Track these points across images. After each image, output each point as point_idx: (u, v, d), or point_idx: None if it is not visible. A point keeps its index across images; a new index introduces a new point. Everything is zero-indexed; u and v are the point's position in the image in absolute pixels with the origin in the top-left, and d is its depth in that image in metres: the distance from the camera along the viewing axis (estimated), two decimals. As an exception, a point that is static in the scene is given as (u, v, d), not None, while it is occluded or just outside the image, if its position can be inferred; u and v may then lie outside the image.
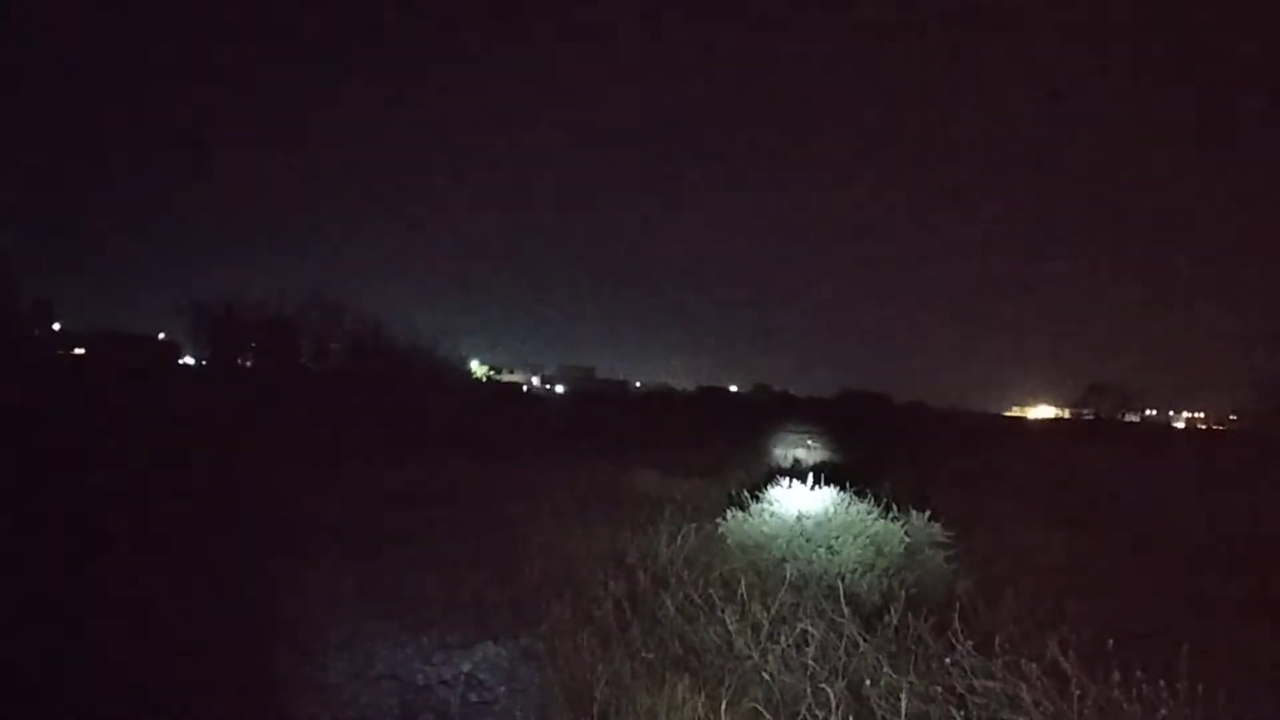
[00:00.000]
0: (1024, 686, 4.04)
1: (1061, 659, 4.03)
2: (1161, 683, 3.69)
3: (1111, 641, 3.97)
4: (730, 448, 21.65)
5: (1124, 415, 41.49)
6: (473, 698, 5.50)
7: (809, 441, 25.91)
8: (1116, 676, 3.82)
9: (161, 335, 34.63)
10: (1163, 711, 3.60)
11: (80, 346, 34.11)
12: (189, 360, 28.39)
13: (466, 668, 5.93)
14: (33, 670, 4.93)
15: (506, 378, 64.27)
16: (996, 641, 4.51)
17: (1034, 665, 4.13)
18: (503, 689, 5.62)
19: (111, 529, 8.06)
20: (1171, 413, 50.72)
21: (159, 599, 6.40)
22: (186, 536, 8.24)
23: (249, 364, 20.02)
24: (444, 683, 5.70)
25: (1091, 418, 41.90)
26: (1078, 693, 3.81)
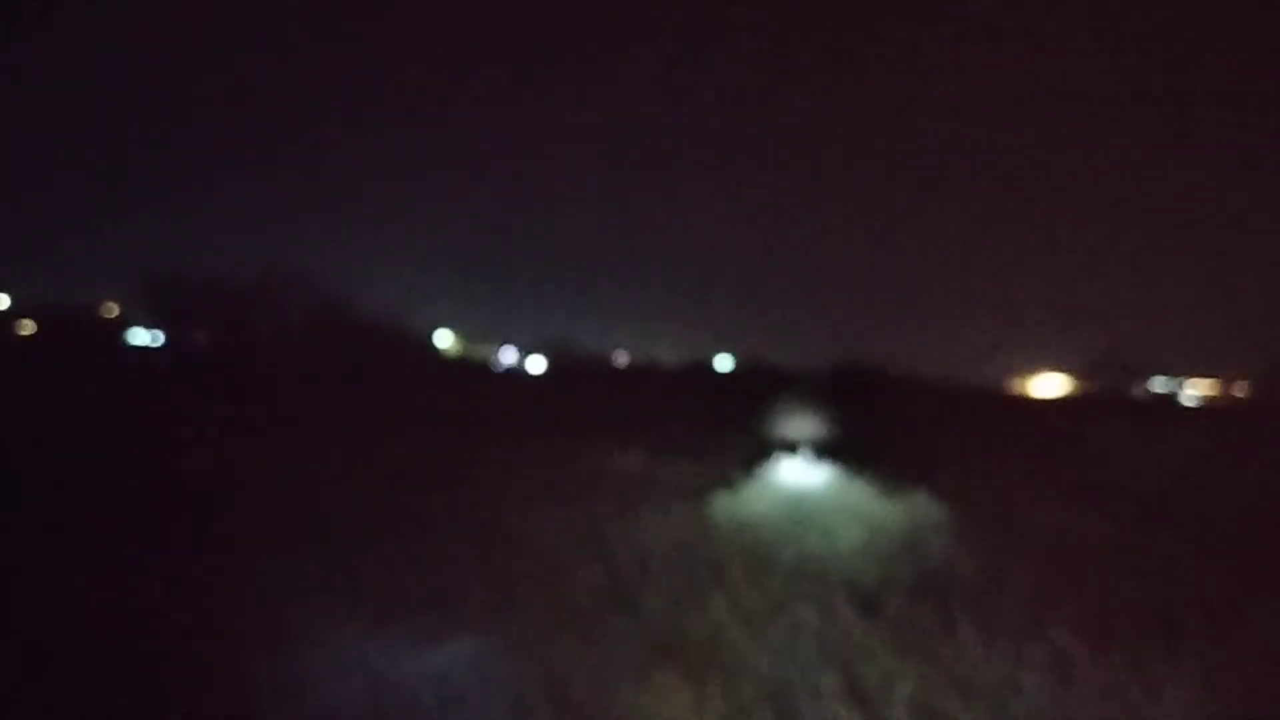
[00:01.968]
0: (1027, 669, 4.08)
1: (1065, 640, 4.08)
2: (1165, 663, 3.74)
3: (1116, 622, 4.00)
4: (720, 424, 21.63)
5: (1132, 386, 41.82)
6: (447, 693, 5.50)
7: (801, 417, 25.97)
8: (1120, 657, 3.87)
9: (114, 309, 34.27)
10: (1167, 691, 3.65)
11: (29, 318, 33.67)
12: (141, 333, 28.09)
13: (441, 661, 5.93)
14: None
15: (483, 349, 63.87)
16: (997, 623, 4.56)
17: (1036, 647, 4.18)
18: (478, 683, 5.62)
19: (55, 519, 7.99)
20: (1179, 385, 51.16)
21: (114, 592, 6.36)
22: (141, 526, 8.18)
23: (204, 338, 19.84)
24: (417, 677, 5.69)
25: (1097, 390, 42.19)
26: (1081, 674, 3.86)
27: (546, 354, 71.55)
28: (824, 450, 10.39)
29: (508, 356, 65.00)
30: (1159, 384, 47.32)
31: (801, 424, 24.19)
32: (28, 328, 33.10)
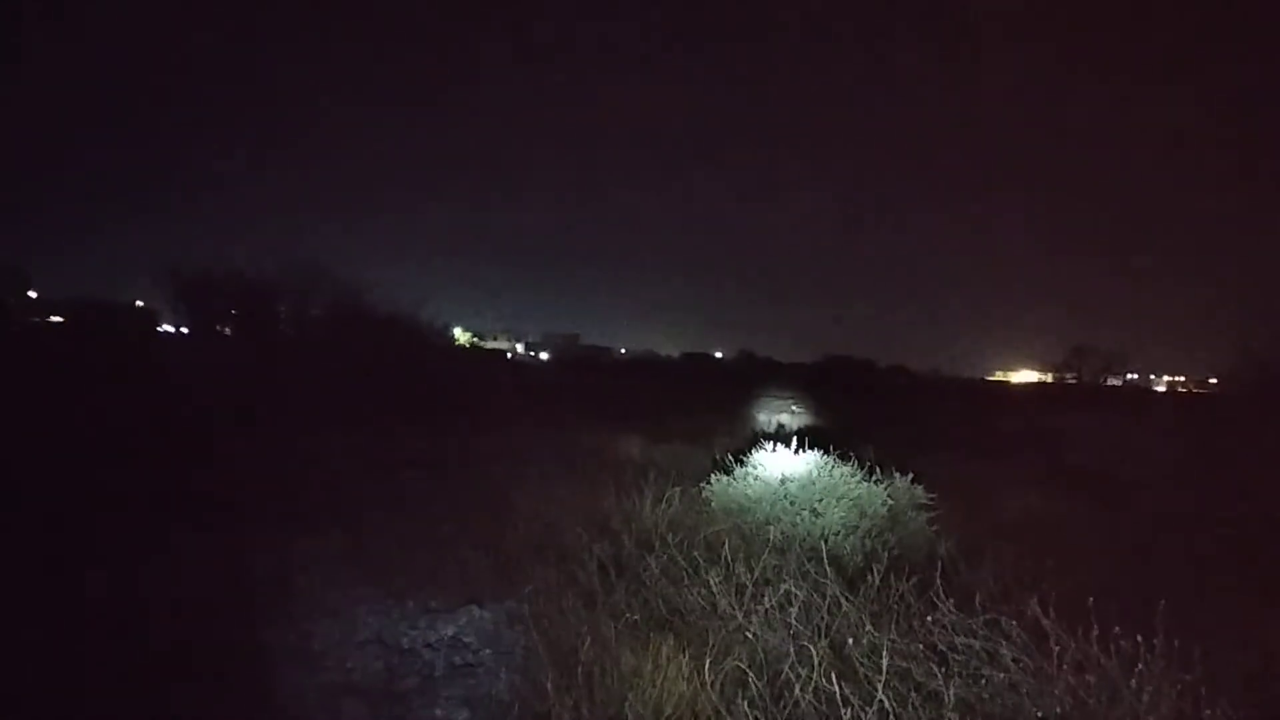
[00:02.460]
0: (1004, 643, 4.09)
1: (1041, 616, 4.08)
2: (1139, 638, 3.74)
3: (1091, 599, 4.01)
4: (715, 413, 21.69)
5: (1106, 379, 41.83)
6: (457, 660, 5.53)
7: (793, 406, 26.02)
8: (1095, 632, 3.87)
9: (139, 303, 34.30)
10: (1139, 666, 3.66)
11: (57, 315, 33.73)
12: (168, 328, 28.11)
13: (451, 631, 5.96)
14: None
15: (490, 344, 64.03)
16: (977, 600, 4.56)
17: (1014, 623, 4.18)
18: (487, 651, 5.66)
19: (93, 497, 8.01)
20: (1153, 376, 51.20)
21: (141, 566, 6.38)
22: (170, 505, 8.19)
23: (228, 331, 19.85)
24: (429, 646, 5.73)
25: (1074, 381, 42.21)
26: (1057, 649, 3.86)
27: (551, 347, 71.75)
28: (813, 436, 10.39)
29: (518, 349, 65.21)
30: (1131, 377, 47.34)
31: (792, 411, 24.27)
32: (55, 319, 33.17)
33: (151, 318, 31.50)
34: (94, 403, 13.07)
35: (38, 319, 33.40)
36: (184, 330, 22.37)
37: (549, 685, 4.32)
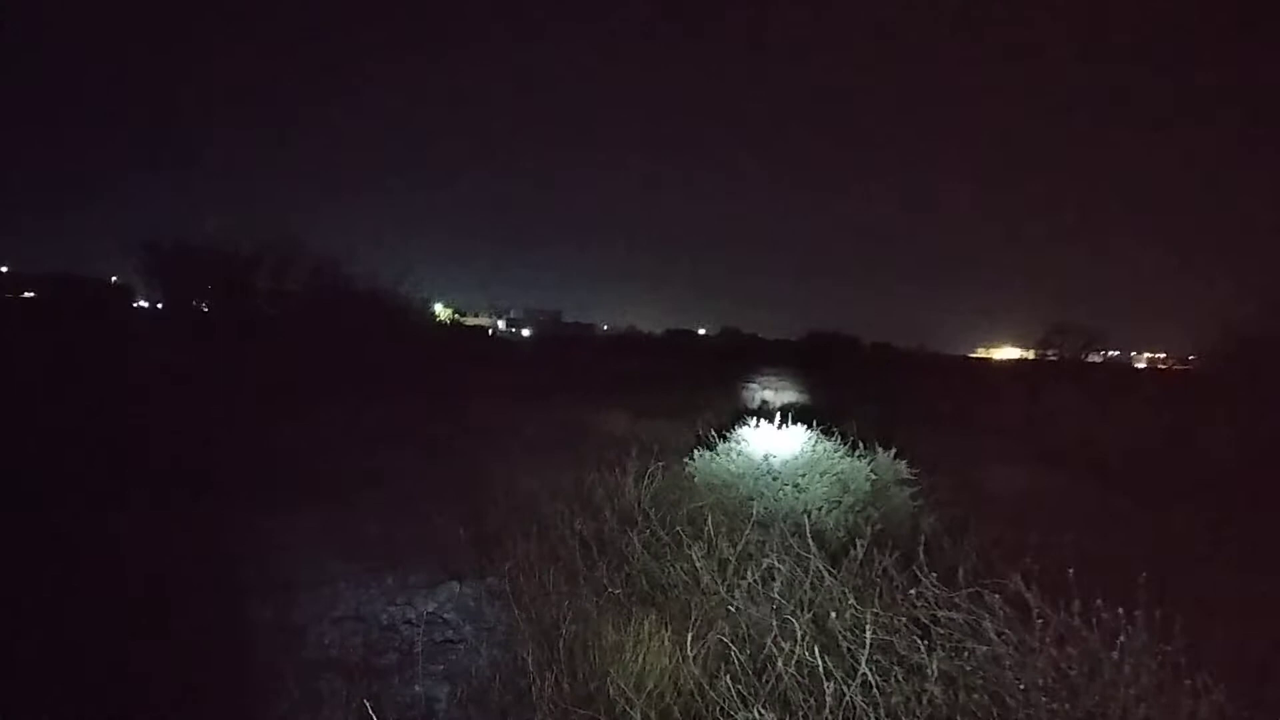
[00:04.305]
0: (987, 616, 4.09)
1: (1024, 589, 4.09)
2: (1120, 610, 3.75)
3: (1072, 571, 4.01)
4: (698, 389, 21.70)
5: (1086, 355, 42.07)
6: (437, 636, 5.52)
7: (777, 382, 26.08)
8: (1077, 605, 3.88)
9: (114, 279, 33.87)
10: (1121, 638, 3.67)
11: (30, 290, 33.31)
12: (143, 304, 27.78)
13: (431, 607, 5.94)
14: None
15: (471, 321, 63.72)
16: (960, 574, 4.56)
17: (997, 596, 4.19)
18: (468, 627, 5.64)
19: (68, 471, 7.91)
20: (1133, 353, 51.53)
21: (118, 542, 6.32)
22: (146, 481, 8.10)
23: (205, 306, 19.59)
24: (408, 622, 5.70)
25: (1055, 358, 42.46)
26: (1039, 621, 3.87)
27: (533, 323, 71.49)
28: (797, 412, 10.39)
29: (500, 325, 64.96)
30: (1112, 354, 47.60)
31: (777, 387, 24.31)
32: (27, 295, 32.73)
33: (127, 293, 31.14)
34: (66, 381, 12.90)
35: (10, 295, 32.96)
36: (159, 306, 22.07)
37: (530, 661, 4.31)
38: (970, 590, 4.34)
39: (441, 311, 51.60)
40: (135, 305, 29.04)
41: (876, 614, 4.32)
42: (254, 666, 4.86)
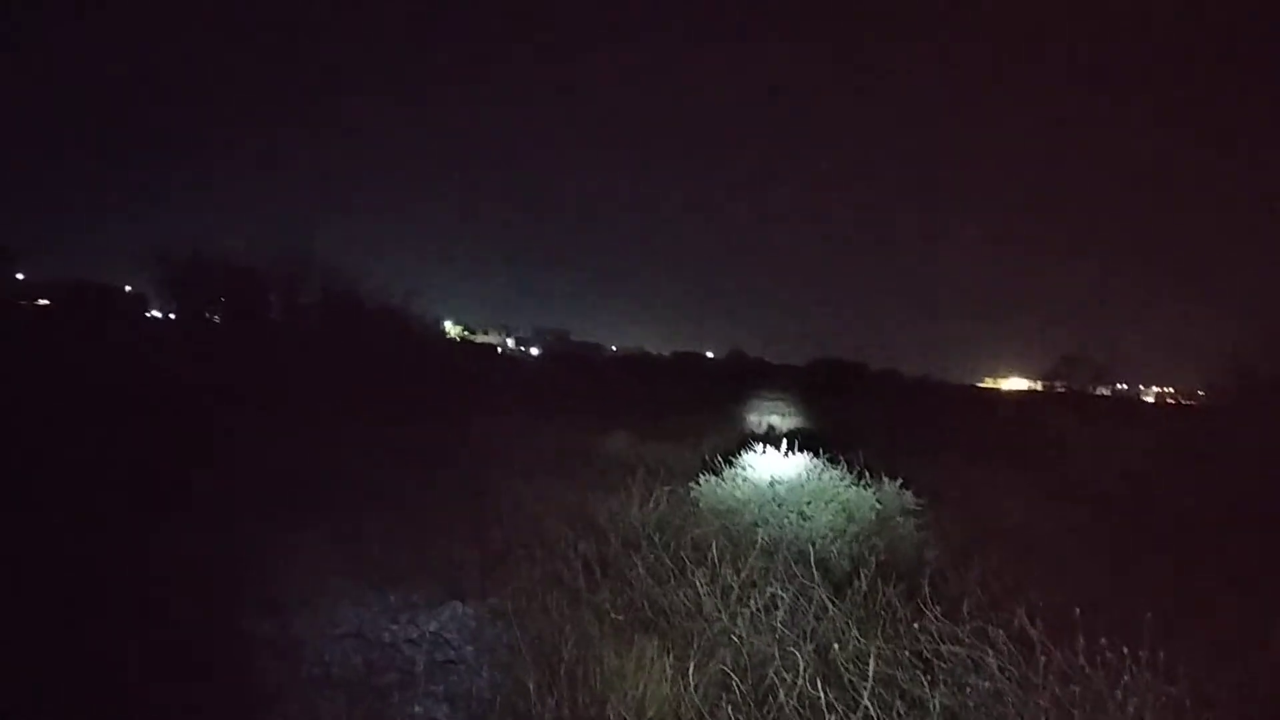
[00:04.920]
0: (990, 652, 4.07)
1: (1028, 625, 4.07)
2: (1125, 650, 3.73)
3: (1078, 610, 4.00)
4: (705, 412, 21.68)
5: (1095, 388, 41.88)
6: (438, 656, 5.50)
7: (783, 407, 26.04)
8: (1081, 642, 3.86)
9: (128, 288, 34.10)
10: (1125, 678, 3.65)
11: (44, 298, 33.49)
12: (156, 314, 27.95)
13: (433, 627, 5.93)
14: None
15: (480, 338, 63.86)
16: (964, 607, 4.55)
17: (1000, 631, 4.17)
18: (469, 648, 5.62)
19: (74, 485, 7.92)
20: (1141, 387, 51.28)
21: (121, 555, 6.32)
22: (150, 494, 8.11)
23: (217, 318, 19.71)
24: (410, 641, 5.69)
25: (1063, 390, 42.28)
26: (1043, 658, 3.85)
27: (541, 342, 71.58)
28: (803, 439, 10.38)
29: (509, 344, 65.11)
30: (1120, 387, 47.36)
31: (782, 413, 24.27)
32: (42, 302, 32.92)
33: (140, 302, 31.35)
34: (76, 390, 12.95)
35: (25, 302, 33.13)
36: (172, 316, 22.21)
37: (531, 684, 4.30)
38: (974, 625, 4.33)
39: (451, 329, 51.80)
40: (148, 314, 29.23)
41: (880, 647, 4.30)
42: (254, 683, 4.85)
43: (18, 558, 5.90)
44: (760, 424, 21.65)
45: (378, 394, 16.40)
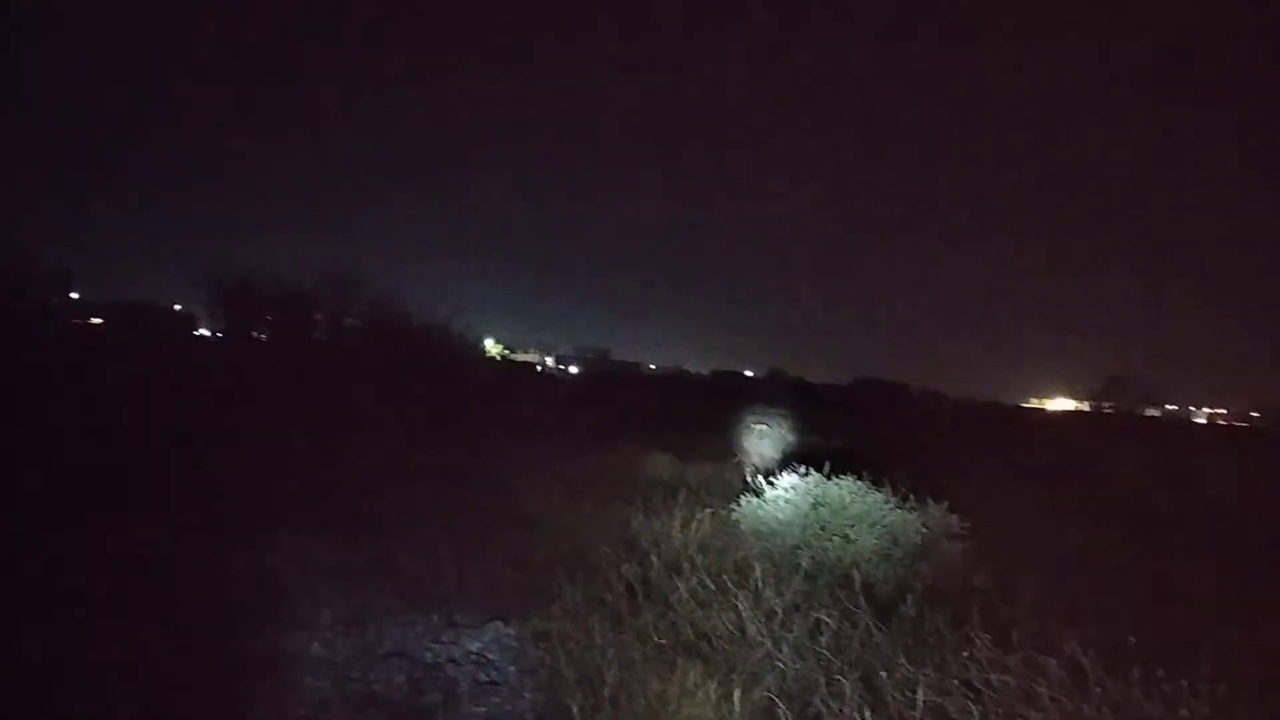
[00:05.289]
0: (1041, 682, 3.99)
1: (1080, 655, 3.99)
2: (1184, 682, 3.64)
3: (1131, 638, 3.91)
4: (744, 432, 21.56)
5: (1144, 409, 41.04)
6: (481, 677, 5.51)
7: (824, 428, 25.82)
8: (1136, 673, 3.77)
9: (177, 306, 34.82)
10: (1183, 711, 3.55)
11: (97, 316, 34.32)
12: (204, 332, 28.51)
13: (475, 647, 5.95)
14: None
15: (521, 357, 64.22)
16: (1014, 636, 4.46)
17: (1052, 660, 4.09)
18: (512, 669, 5.63)
19: (117, 497, 8.08)
20: (1192, 408, 50.15)
21: (164, 571, 6.43)
22: (196, 509, 8.25)
23: (264, 337, 20.04)
24: (453, 661, 5.71)
25: (1111, 410, 41.50)
26: (1097, 689, 3.77)
27: (581, 361, 71.80)
28: (844, 460, 10.27)
29: (548, 362, 65.42)
30: (1170, 408, 46.35)
31: (824, 433, 24.05)
32: (95, 321, 33.76)
33: (189, 321, 32.00)
34: (124, 404, 13.22)
35: (78, 320, 33.99)
36: (219, 334, 22.61)
37: (575, 708, 4.29)
38: (1024, 654, 4.25)
39: (492, 347, 52.13)
40: (196, 333, 29.84)
41: (928, 675, 4.23)
42: (300, 699, 4.90)
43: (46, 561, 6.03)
44: (801, 444, 21.48)
45: (418, 412, 16.54)
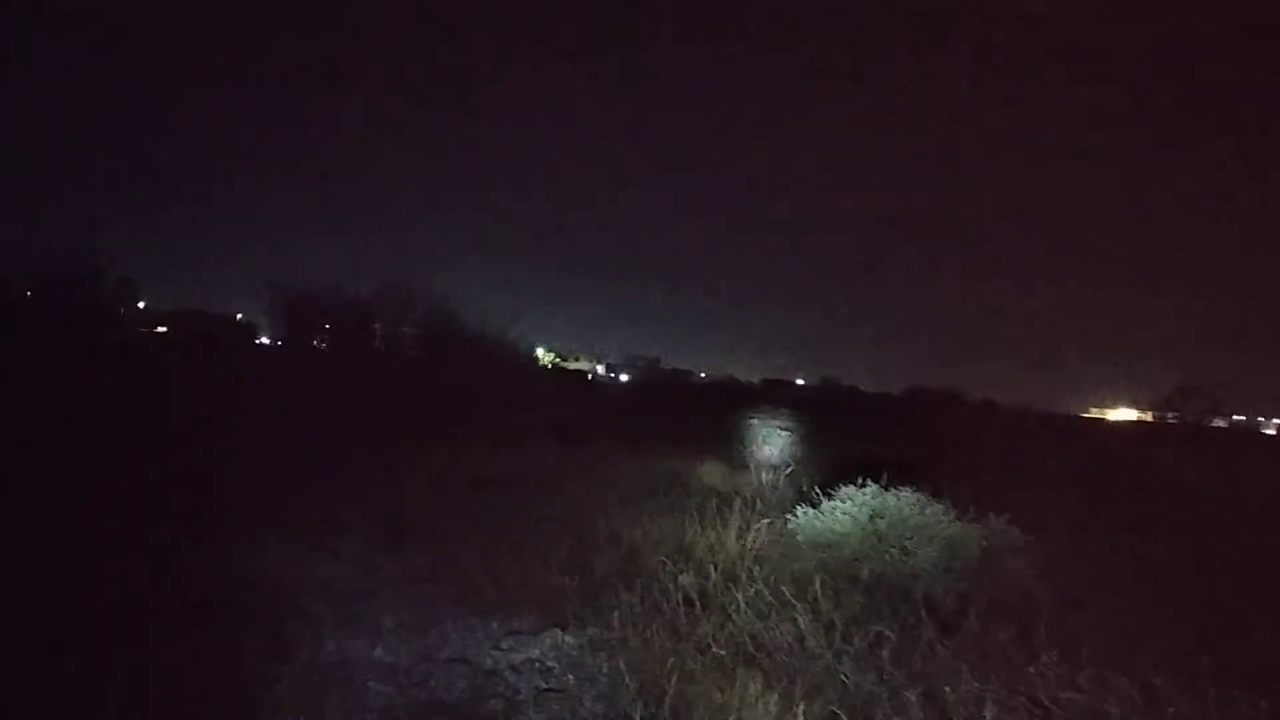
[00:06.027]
0: (1112, 700, 3.93)
1: (1152, 673, 3.91)
2: (1263, 703, 3.56)
3: (1206, 658, 3.83)
4: (798, 442, 21.42)
5: (1211, 419, 39.94)
6: (541, 684, 5.56)
7: (879, 437, 25.54)
8: (1212, 694, 3.70)
9: (239, 315, 35.77)
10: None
11: (163, 325, 35.35)
12: (265, 340, 29.22)
13: (535, 654, 6.00)
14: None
15: (572, 365, 64.63)
16: (1083, 652, 4.39)
17: (1122, 678, 4.02)
18: (570, 677, 5.67)
19: (177, 503, 8.32)
20: (1261, 419, 48.72)
21: (226, 576, 6.62)
22: (258, 513, 8.47)
23: (323, 345, 20.52)
24: (512, 668, 5.77)
25: (1175, 421, 40.45)
26: (1170, 710, 3.70)
27: (631, 369, 71.97)
28: (903, 471, 10.15)
29: (599, 370, 65.75)
30: (1237, 419, 45.06)
31: (879, 443, 23.78)
32: (160, 330, 34.79)
33: (251, 330, 32.82)
34: (187, 411, 13.60)
35: (145, 328, 35.04)
36: (279, 342, 23.17)
37: (637, 717, 4.32)
38: (1093, 671, 4.18)
39: (543, 355, 52.54)
40: (257, 341, 30.62)
41: (994, 690, 4.18)
42: (365, 706, 4.99)
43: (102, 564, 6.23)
44: (855, 454, 21.27)
45: (474, 419, 16.77)
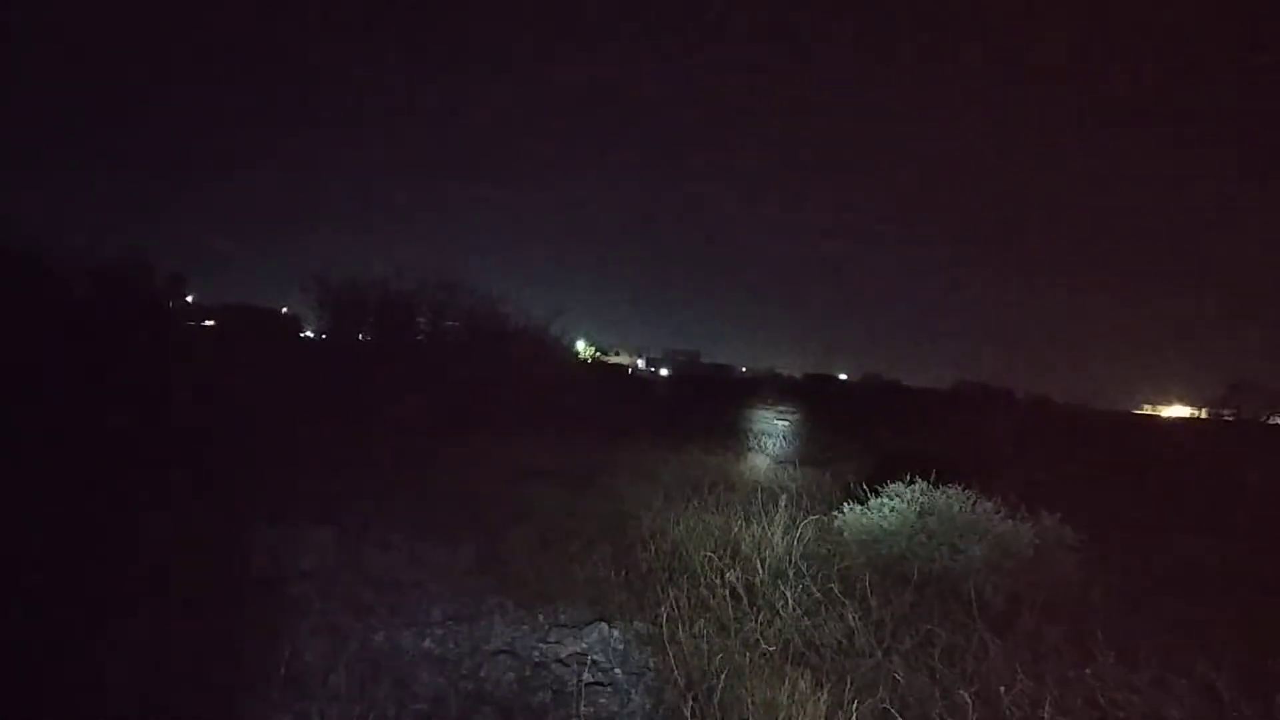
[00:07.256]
0: (1171, 702, 3.88)
1: (1213, 676, 3.86)
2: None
3: (1265, 664, 3.76)
4: (842, 436, 21.31)
5: (1268, 417, 39.00)
6: (588, 677, 5.60)
7: (924, 434, 25.29)
8: (1278, 700, 3.64)
9: (285, 309, 36.35)
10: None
11: (210, 318, 36.08)
12: (309, 334, 29.64)
13: (581, 647, 6.04)
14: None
15: (612, 359, 64.84)
16: (1140, 653, 4.34)
17: (1182, 681, 3.97)
18: (618, 671, 5.70)
19: (226, 490, 8.54)
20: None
21: (280, 563, 6.77)
22: (309, 504, 8.65)
23: (368, 338, 20.75)
24: (559, 661, 5.82)
25: (1231, 418, 39.56)
26: (1234, 715, 3.64)
27: (671, 363, 71.98)
28: (951, 467, 10.05)
29: (639, 364, 65.91)
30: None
31: (924, 439, 23.56)
32: (208, 323, 35.52)
33: (295, 323, 33.34)
34: (248, 402, 13.89)
35: (193, 322, 35.79)
36: (324, 335, 23.46)
37: (686, 711, 4.34)
38: (1151, 673, 4.13)
39: (584, 349, 52.76)
40: (302, 334, 31.09)
41: (1050, 690, 4.15)
42: (417, 696, 5.08)
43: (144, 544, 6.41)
44: (900, 450, 21.10)
45: (517, 412, 16.90)
